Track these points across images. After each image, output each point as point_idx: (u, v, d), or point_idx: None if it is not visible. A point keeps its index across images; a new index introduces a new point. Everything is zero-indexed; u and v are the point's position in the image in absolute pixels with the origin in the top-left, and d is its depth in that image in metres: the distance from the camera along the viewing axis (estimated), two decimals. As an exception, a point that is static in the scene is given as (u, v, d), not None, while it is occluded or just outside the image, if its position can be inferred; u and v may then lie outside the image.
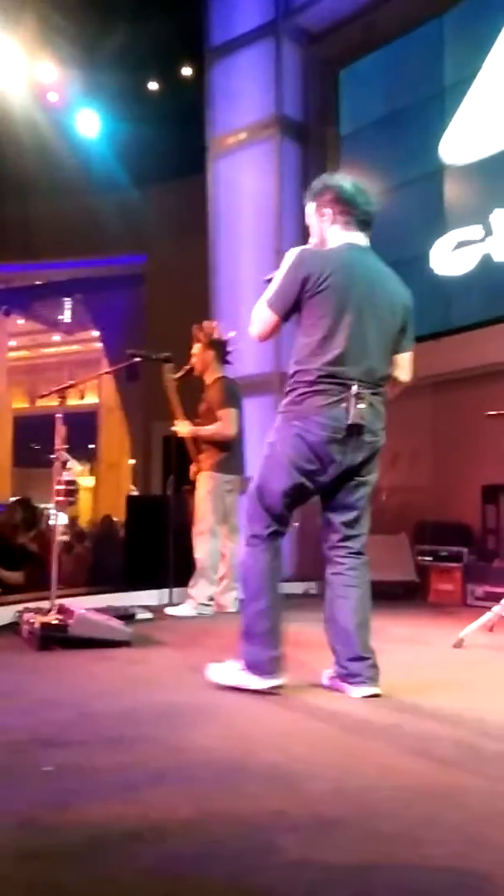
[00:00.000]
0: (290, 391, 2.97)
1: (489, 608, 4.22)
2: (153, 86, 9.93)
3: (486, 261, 6.83)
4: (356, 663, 2.98)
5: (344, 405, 2.86)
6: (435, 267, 7.26)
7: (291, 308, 2.97)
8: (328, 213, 3.08)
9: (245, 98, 8.61)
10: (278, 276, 3.02)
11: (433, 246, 7.27)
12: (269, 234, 8.13)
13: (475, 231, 6.93)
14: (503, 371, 6.72)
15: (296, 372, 2.96)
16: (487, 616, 4.17)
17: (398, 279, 3.21)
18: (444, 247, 7.19)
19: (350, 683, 2.98)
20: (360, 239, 3.13)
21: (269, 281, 3.08)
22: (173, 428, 5.45)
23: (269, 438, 3.01)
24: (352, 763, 2.23)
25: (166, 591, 5.69)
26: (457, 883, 1.52)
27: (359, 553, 3.15)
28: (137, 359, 5.11)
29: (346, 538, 3.12)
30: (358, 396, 2.87)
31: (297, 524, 8.14)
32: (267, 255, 7.71)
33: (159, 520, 5.71)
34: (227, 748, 2.33)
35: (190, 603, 5.23)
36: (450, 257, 7.15)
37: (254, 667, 2.94)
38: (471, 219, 6.98)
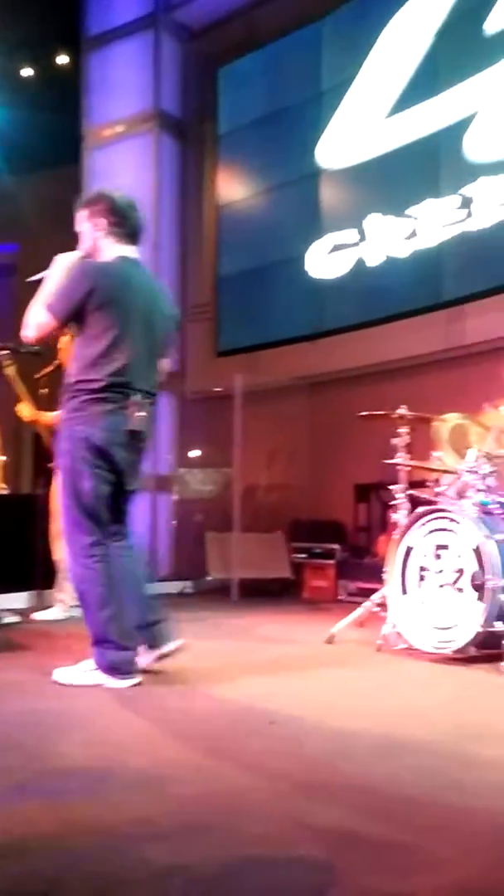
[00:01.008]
0: (71, 398, 3.07)
1: (360, 604, 4.29)
2: (28, 72, 9.59)
3: (360, 265, 6.98)
4: (150, 629, 3.16)
5: (125, 412, 3.04)
6: (310, 269, 7.36)
7: (73, 316, 3.08)
8: (102, 224, 3.19)
9: (123, 90, 8.45)
10: (53, 279, 3.15)
11: (309, 249, 7.36)
12: (145, 229, 8.00)
13: (350, 235, 7.06)
14: (376, 373, 6.90)
15: (78, 381, 3.06)
16: (358, 612, 4.24)
17: (167, 292, 3.49)
18: (319, 250, 7.30)
19: (152, 648, 3.16)
20: (132, 252, 3.26)
21: (40, 282, 3.19)
22: (17, 410, 5.25)
23: (62, 447, 3.10)
24: (219, 764, 2.19)
25: (35, 593, 5.50)
26: (326, 882, 1.50)
27: (127, 538, 3.25)
28: (5, 351, 4.90)
29: (120, 529, 3.23)
30: (138, 405, 3.06)
31: (175, 522, 8.10)
32: (143, 249, 7.59)
33: (27, 519, 5.50)
34: (92, 755, 2.25)
35: (59, 606, 5.06)
36: (325, 260, 7.26)
37: (109, 668, 3.00)
38: (346, 223, 7.12)
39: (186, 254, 8.52)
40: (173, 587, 6.69)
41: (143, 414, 3.07)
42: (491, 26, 6.06)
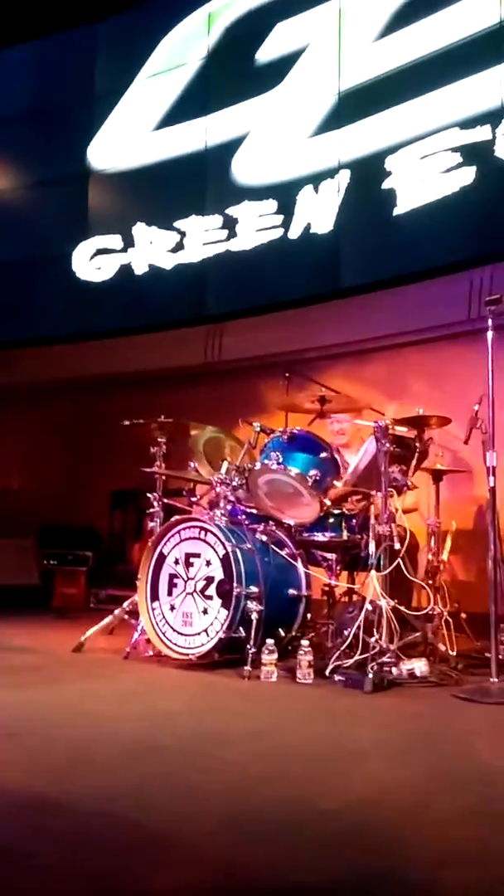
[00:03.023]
0: None
1: (112, 611, 4.30)
2: None
3: (127, 271, 6.98)
4: None
5: None
6: (77, 270, 7.25)
7: None
8: None
9: None
10: None
11: (76, 248, 7.25)
12: None
13: (116, 240, 7.05)
14: (138, 381, 6.94)
15: None
16: (108, 619, 4.25)
17: None
18: (85, 251, 7.21)
19: None
20: None
21: None
22: None
23: None
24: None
25: None
26: (61, 890, 1.51)
27: None
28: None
29: None
30: None
31: None
32: None
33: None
34: None
35: None
36: (91, 263, 7.19)
37: None
38: (113, 227, 7.09)
39: None
40: None
41: None
42: (263, 55, 6.36)
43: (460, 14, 5.16)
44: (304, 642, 3.62)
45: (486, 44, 5.00)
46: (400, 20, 5.53)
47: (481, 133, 4.96)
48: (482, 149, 4.95)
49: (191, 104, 6.76)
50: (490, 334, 3.61)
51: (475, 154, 4.99)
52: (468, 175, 5.00)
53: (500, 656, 3.36)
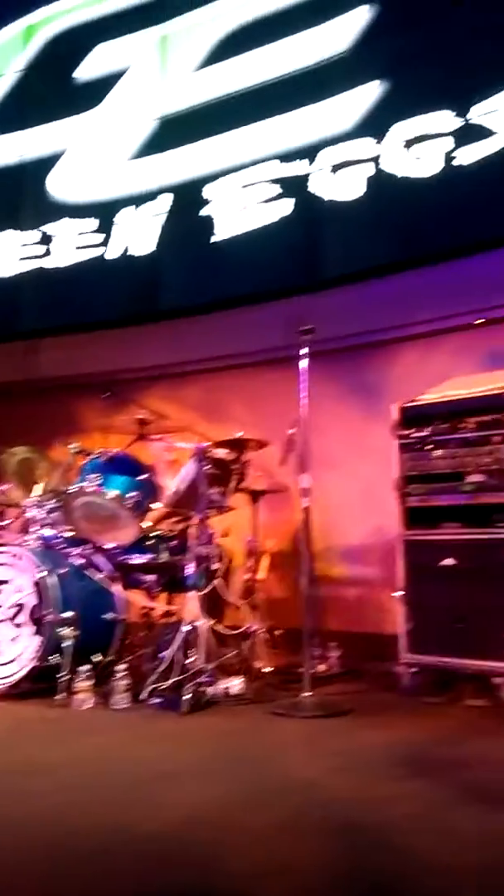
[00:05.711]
0: None
1: None
2: None
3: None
4: None
5: None
6: None
7: None
8: None
9: None
10: None
11: None
12: None
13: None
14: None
15: None
16: None
17: None
18: None
19: None
20: None
21: None
22: None
23: None
24: None
25: None
26: None
27: None
28: None
29: None
30: None
31: None
32: None
33: None
34: None
35: None
36: None
37: None
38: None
39: None
40: None
41: None
42: (83, 74, 6.29)
43: (281, 52, 5.36)
44: (121, 666, 3.55)
45: (306, 82, 5.23)
46: (222, 52, 5.66)
47: (299, 167, 5.17)
48: (300, 182, 5.16)
49: (7, 117, 6.57)
50: (303, 362, 3.75)
51: (293, 187, 5.18)
52: (287, 206, 5.19)
53: (313, 671, 3.46)
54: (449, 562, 3.68)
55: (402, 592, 3.83)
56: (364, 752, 2.77)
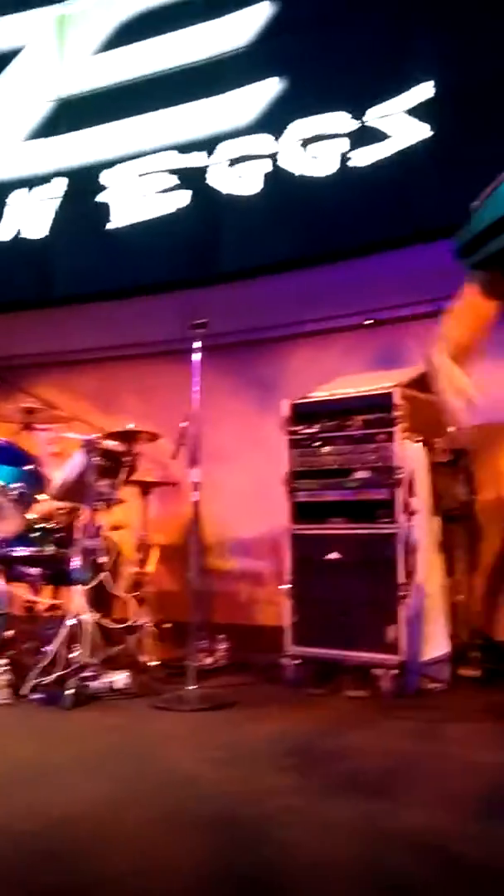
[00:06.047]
0: None
1: None
2: None
3: None
4: None
5: None
6: None
7: None
8: None
9: None
10: None
11: None
12: None
13: None
14: None
15: None
16: None
17: None
18: None
19: None
20: None
21: None
22: None
23: None
24: None
25: None
26: None
27: None
28: None
29: None
30: None
31: None
32: None
33: None
34: None
35: None
36: None
37: None
38: None
39: None
40: None
41: None
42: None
43: (182, 41, 5.29)
44: (2, 661, 3.46)
45: (206, 74, 5.18)
46: (123, 36, 5.54)
47: (197, 159, 5.14)
48: (197, 174, 5.13)
49: None
50: (196, 356, 3.74)
51: (191, 178, 5.14)
52: (184, 198, 5.14)
53: (199, 664, 3.47)
54: (334, 556, 3.76)
55: (289, 585, 3.89)
56: (246, 745, 2.80)
